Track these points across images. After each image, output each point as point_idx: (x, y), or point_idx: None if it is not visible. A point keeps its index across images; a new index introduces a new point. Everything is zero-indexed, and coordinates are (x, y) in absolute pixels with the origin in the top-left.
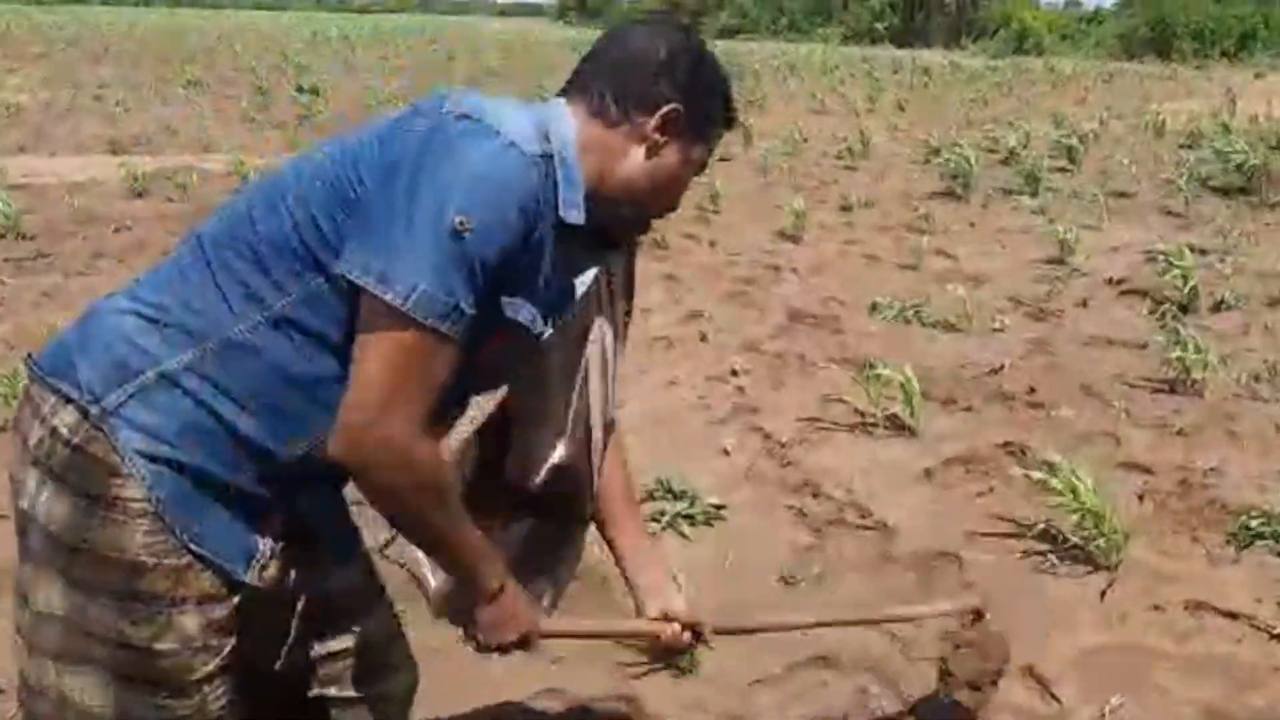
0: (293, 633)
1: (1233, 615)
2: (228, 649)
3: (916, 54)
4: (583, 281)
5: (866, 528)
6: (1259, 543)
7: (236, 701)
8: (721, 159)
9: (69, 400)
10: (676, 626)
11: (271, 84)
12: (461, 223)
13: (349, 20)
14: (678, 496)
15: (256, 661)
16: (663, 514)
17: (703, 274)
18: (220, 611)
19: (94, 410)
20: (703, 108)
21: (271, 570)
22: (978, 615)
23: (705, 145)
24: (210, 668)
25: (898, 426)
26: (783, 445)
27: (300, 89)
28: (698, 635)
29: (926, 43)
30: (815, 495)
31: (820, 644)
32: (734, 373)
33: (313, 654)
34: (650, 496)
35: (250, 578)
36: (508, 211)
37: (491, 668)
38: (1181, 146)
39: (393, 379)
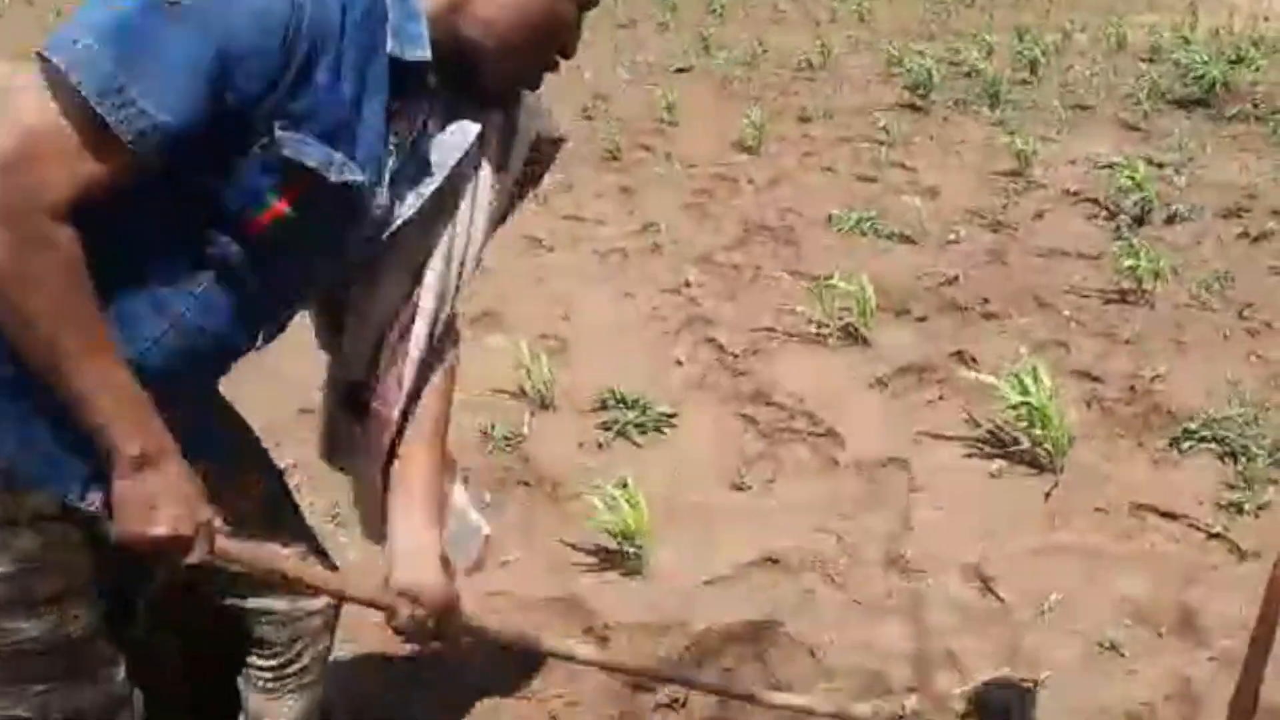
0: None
1: (1172, 516)
2: (78, 568)
3: None
4: (446, 142)
5: (817, 435)
6: (1200, 445)
7: (105, 625)
8: (679, 70)
9: None
10: (420, 611)
11: None
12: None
13: None
14: (629, 406)
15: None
16: (614, 423)
17: (658, 186)
18: (61, 532)
19: None
20: None
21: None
22: None
23: None
24: (58, 587)
25: (851, 337)
26: (735, 356)
27: None
28: (438, 634)
29: None
30: (767, 404)
31: (768, 546)
32: (688, 284)
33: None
34: (602, 406)
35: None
36: (261, 7)
37: None
38: (1142, 60)
39: (27, 131)
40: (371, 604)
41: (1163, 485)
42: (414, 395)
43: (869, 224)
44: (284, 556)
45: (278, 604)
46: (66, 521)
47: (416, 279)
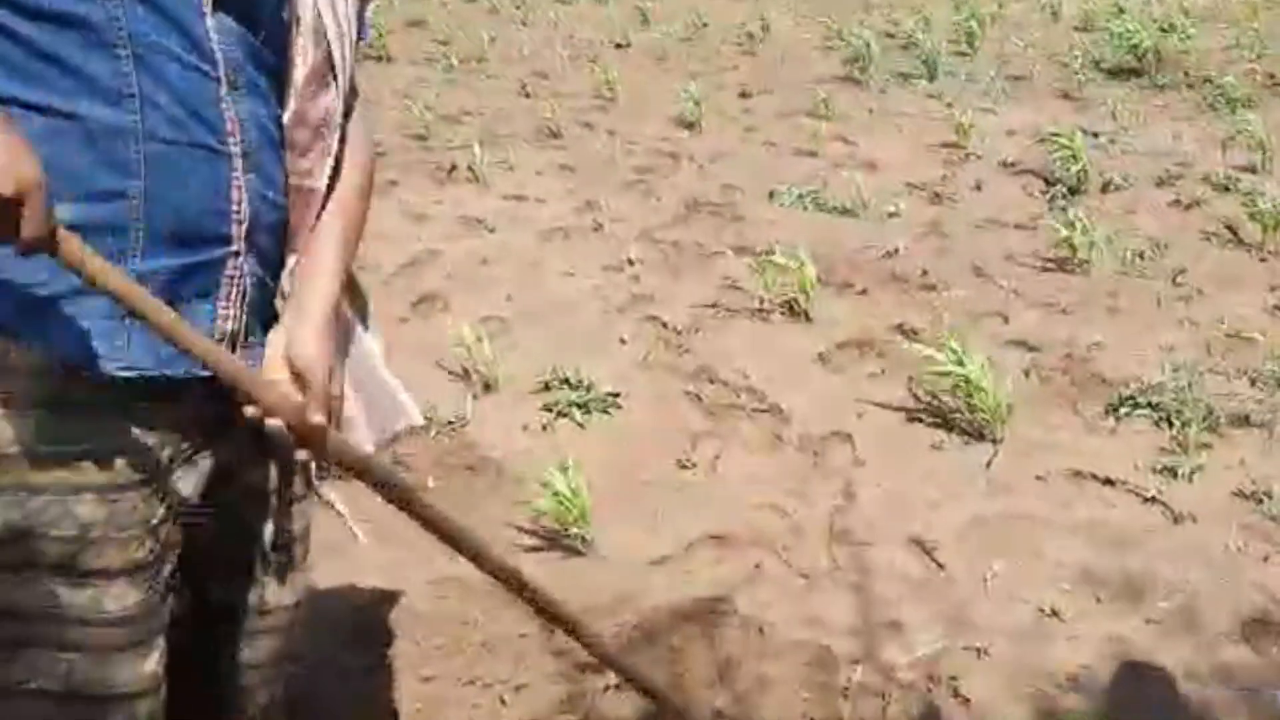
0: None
1: (1110, 481)
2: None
3: None
4: None
5: (761, 411)
6: (1136, 411)
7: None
8: (617, 45)
9: None
10: (296, 396)
11: None
12: None
13: None
14: (573, 386)
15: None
16: (558, 404)
17: (599, 163)
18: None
19: None
20: None
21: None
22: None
23: None
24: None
25: (793, 312)
26: (679, 333)
27: None
28: (307, 435)
29: None
30: (711, 382)
31: (714, 523)
32: (630, 262)
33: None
34: (545, 387)
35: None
36: None
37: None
38: (1077, 29)
39: None
40: (245, 387)
41: (1100, 452)
42: (336, 168)
43: (810, 198)
44: (167, 313)
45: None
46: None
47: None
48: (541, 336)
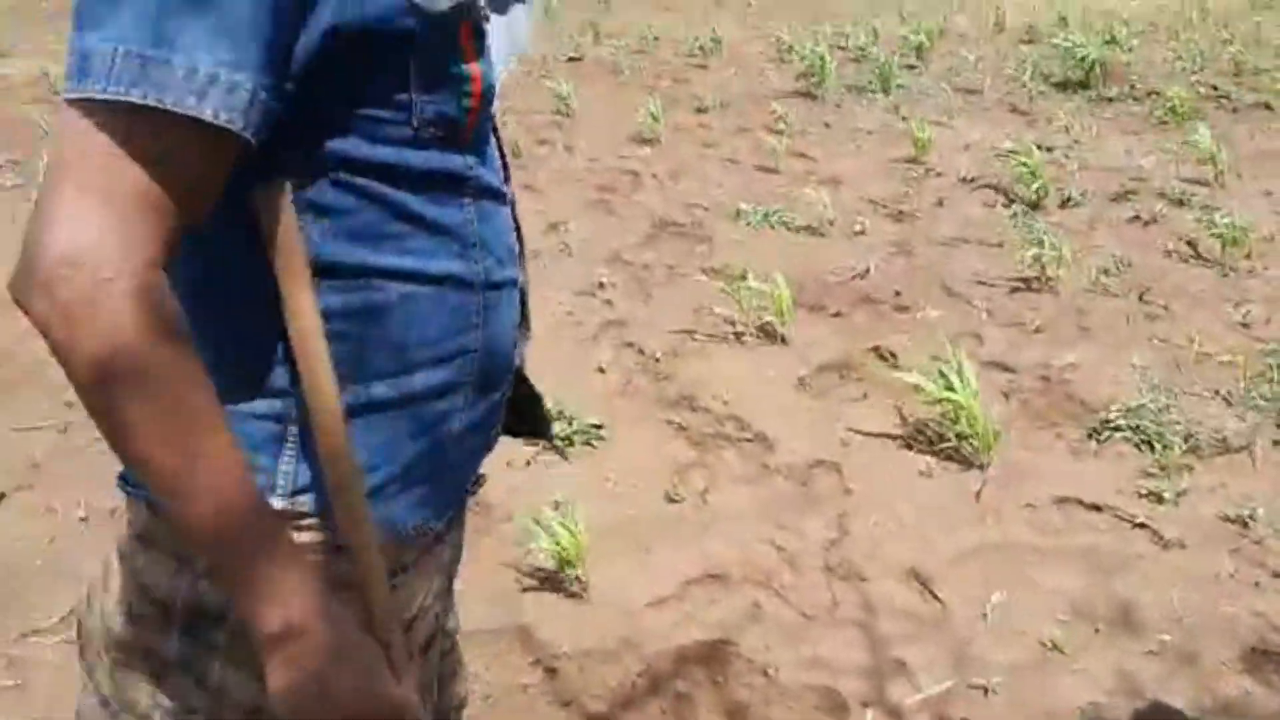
0: None
1: (1097, 508)
2: None
3: None
4: None
5: (746, 440)
6: (1117, 435)
7: None
8: (571, 58)
9: None
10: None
11: None
12: None
13: None
14: (555, 418)
15: None
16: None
17: (561, 182)
18: None
19: None
20: None
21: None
22: None
23: None
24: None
25: (769, 335)
26: (657, 360)
27: None
28: None
29: None
30: (693, 409)
31: (709, 560)
32: (601, 286)
33: None
34: None
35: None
36: None
37: None
38: (1022, 42)
39: (74, 179)
40: None
41: (1084, 477)
42: None
43: (776, 217)
44: None
45: None
46: None
47: None
48: None
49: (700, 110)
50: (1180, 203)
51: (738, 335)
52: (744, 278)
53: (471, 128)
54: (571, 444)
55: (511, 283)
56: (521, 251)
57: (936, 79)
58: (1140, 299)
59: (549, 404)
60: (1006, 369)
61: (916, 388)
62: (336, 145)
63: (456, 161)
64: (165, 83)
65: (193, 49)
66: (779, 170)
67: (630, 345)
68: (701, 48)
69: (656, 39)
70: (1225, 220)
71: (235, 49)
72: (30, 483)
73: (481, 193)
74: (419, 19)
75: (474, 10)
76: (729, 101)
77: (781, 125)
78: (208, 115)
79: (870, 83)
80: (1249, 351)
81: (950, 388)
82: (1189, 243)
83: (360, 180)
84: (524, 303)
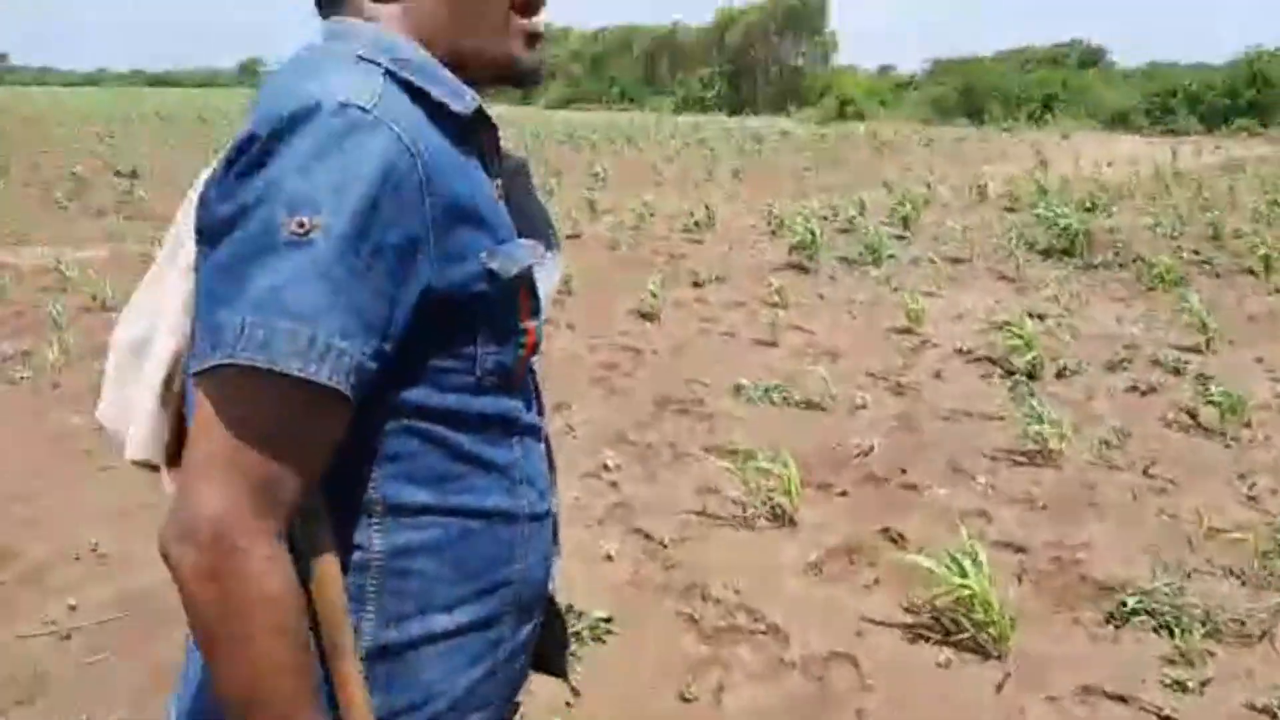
0: None
1: (1121, 698)
2: None
3: (746, 121)
4: (516, 156)
5: (759, 632)
6: (1135, 619)
7: None
8: (570, 236)
9: None
10: None
11: (87, 169)
12: (301, 224)
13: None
14: (565, 612)
15: None
16: None
17: (564, 360)
18: None
19: None
20: None
21: None
22: None
23: None
24: None
25: (777, 517)
26: (665, 546)
27: (119, 173)
28: None
29: (755, 110)
30: (704, 599)
31: None
32: (606, 468)
33: None
34: None
35: None
36: (370, 182)
37: None
38: (1006, 210)
39: (211, 446)
40: None
41: (1105, 664)
42: None
43: (777, 393)
44: None
45: None
46: None
47: None
48: None
49: (697, 284)
50: (1175, 371)
51: (745, 518)
52: (753, 457)
53: (521, 374)
54: (582, 641)
55: (549, 514)
56: (553, 479)
57: (925, 248)
58: (1144, 472)
59: (559, 599)
60: (1018, 549)
61: (930, 572)
62: (409, 395)
63: (509, 405)
64: (286, 350)
65: (312, 319)
66: (777, 344)
67: (638, 531)
68: (696, 222)
69: (652, 215)
70: (1221, 390)
71: (346, 317)
72: None
73: (526, 431)
74: (493, 284)
75: (532, 274)
76: (725, 275)
77: (777, 298)
78: (322, 378)
79: (861, 254)
80: (1258, 526)
81: (964, 572)
82: (1188, 412)
83: (426, 425)
84: (555, 528)
